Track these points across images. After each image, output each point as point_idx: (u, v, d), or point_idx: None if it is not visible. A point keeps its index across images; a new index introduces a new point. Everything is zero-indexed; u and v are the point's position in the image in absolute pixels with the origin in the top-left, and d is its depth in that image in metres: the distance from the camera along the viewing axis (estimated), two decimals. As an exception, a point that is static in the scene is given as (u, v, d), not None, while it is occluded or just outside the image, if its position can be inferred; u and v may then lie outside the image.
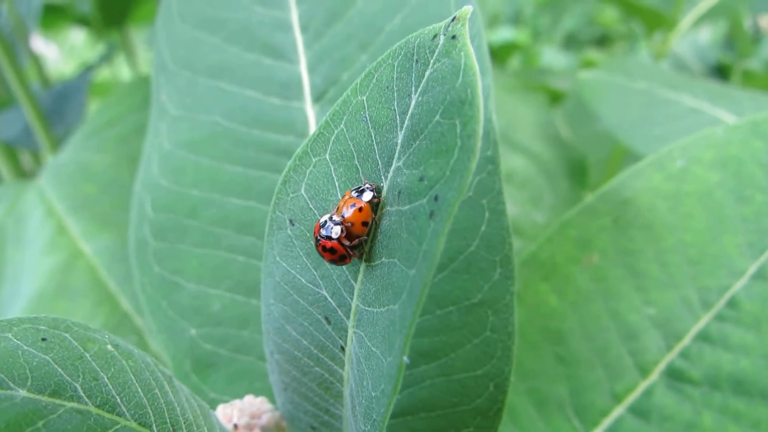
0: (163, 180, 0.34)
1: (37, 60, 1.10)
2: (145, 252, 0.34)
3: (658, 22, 0.94)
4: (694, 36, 1.34)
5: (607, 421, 0.43)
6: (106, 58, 1.13)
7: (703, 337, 0.42)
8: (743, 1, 1.02)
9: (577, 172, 0.78)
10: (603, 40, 2.47)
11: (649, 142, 0.67)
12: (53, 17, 1.34)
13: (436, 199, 0.16)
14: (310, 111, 0.34)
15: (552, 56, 1.99)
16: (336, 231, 0.20)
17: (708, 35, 1.56)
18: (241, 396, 0.30)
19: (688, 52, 1.33)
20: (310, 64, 0.34)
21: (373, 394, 0.18)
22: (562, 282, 0.46)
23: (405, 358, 0.15)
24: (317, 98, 0.34)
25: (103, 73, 1.63)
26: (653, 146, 0.64)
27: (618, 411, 0.43)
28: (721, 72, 1.29)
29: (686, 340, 0.42)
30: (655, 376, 0.42)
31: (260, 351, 0.32)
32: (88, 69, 1.03)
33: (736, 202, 0.43)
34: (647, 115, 0.70)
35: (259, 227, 0.33)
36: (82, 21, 1.33)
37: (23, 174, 0.91)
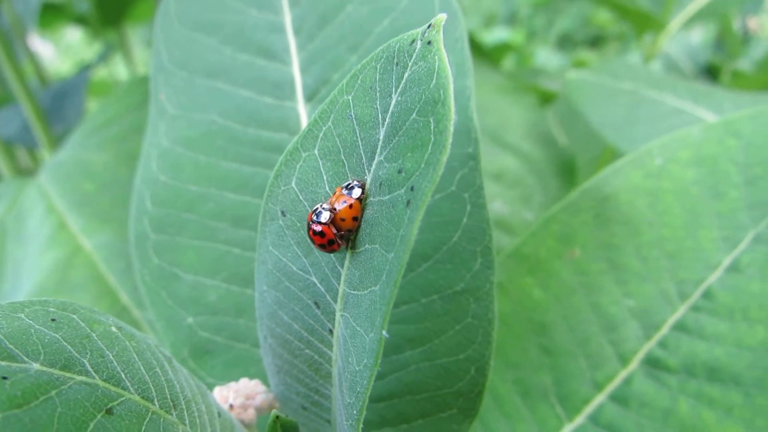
0: (161, 176, 0.35)
1: (33, 58, 1.11)
2: (145, 245, 0.35)
3: (648, 23, 0.96)
4: (685, 37, 1.36)
5: (588, 409, 0.45)
6: (104, 56, 1.14)
7: (680, 327, 0.43)
8: (732, 3, 1.03)
9: (567, 172, 0.80)
10: (597, 41, 2.49)
11: (633, 142, 0.69)
12: (51, 16, 1.35)
13: (412, 189, 0.17)
14: (302, 110, 0.35)
15: (546, 56, 2.01)
16: (325, 216, 0.21)
17: (699, 36, 1.58)
18: (237, 381, 0.31)
19: (679, 52, 1.35)
20: (303, 65, 0.35)
21: (357, 369, 0.19)
22: (546, 276, 0.47)
23: (384, 333, 0.17)
24: (309, 98, 0.35)
25: (100, 72, 1.64)
26: (637, 145, 0.65)
27: (599, 399, 0.44)
28: (711, 72, 1.31)
29: (664, 330, 0.44)
30: (634, 364, 0.44)
31: (255, 339, 0.34)
32: (86, 67, 1.04)
33: (711, 199, 0.45)
34: (632, 115, 0.72)
35: (254, 221, 0.35)
36: (80, 20, 1.34)
37: (20, 171, 0.92)
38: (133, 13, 1.24)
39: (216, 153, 0.35)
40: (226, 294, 0.34)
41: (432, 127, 0.17)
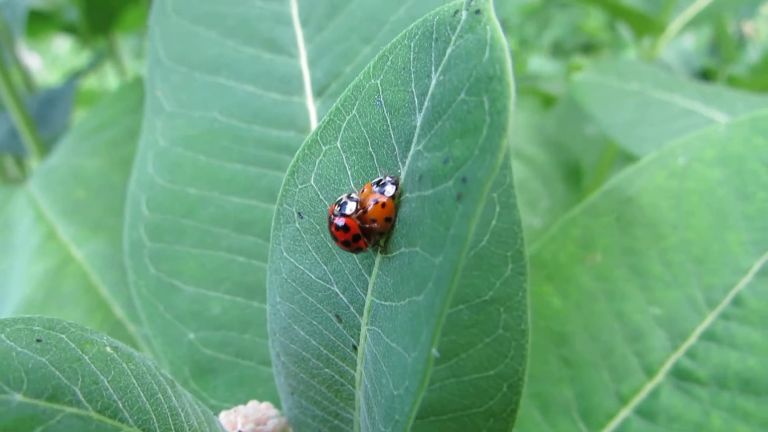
0: (158, 178, 0.33)
1: (20, 68, 1.08)
2: (141, 253, 0.32)
3: (647, 26, 0.95)
4: (678, 41, 1.36)
5: (613, 424, 0.43)
6: (94, 64, 1.11)
7: (709, 336, 0.41)
8: (730, 6, 1.03)
9: (572, 176, 0.78)
10: (588, 48, 2.50)
11: (643, 143, 0.67)
12: (39, 24, 1.33)
13: (463, 180, 0.15)
14: (312, 106, 0.33)
15: (540, 63, 2.01)
16: (351, 207, 0.19)
17: (692, 41, 1.58)
18: (243, 403, 0.28)
19: (674, 57, 1.34)
20: (311, 58, 0.33)
21: (395, 393, 0.17)
22: (566, 282, 0.45)
23: (434, 351, 0.14)
24: (319, 93, 0.33)
25: (90, 82, 1.61)
26: (647, 147, 0.64)
27: (624, 413, 0.42)
28: (706, 77, 1.31)
29: (692, 340, 0.42)
30: (661, 376, 0.42)
31: (262, 355, 0.31)
32: (75, 75, 1.02)
33: (738, 200, 0.43)
34: (641, 116, 0.70)
35: (260, 226, 0.32)
36: (68, 28, 1.31)
37: (8, 182, 0.89)
38: (122, 22, 1.21)
39: (218, 153, 0.33)
40: (231, 306, 0.31)
41: (486, 107, 0.15)
